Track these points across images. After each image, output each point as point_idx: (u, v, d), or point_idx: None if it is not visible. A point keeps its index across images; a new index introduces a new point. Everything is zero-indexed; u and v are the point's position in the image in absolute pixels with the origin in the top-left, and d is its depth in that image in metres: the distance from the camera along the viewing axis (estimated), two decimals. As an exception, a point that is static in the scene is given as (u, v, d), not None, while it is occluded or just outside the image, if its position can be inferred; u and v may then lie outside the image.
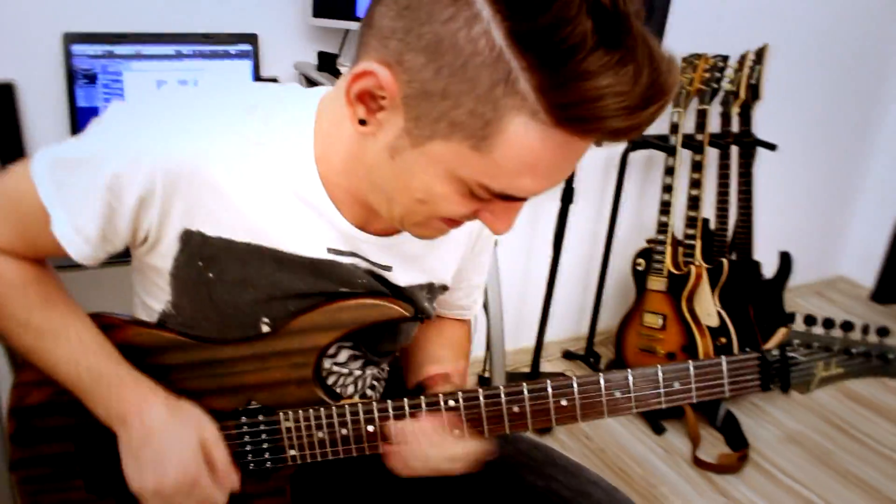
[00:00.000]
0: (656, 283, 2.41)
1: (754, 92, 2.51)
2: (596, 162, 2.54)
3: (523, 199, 0.75)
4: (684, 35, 2.47)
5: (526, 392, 0.88)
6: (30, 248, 0.88)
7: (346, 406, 0.90)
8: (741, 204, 2.57)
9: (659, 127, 2.51)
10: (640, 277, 2.47)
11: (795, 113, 2.95)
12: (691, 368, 0.88)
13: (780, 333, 0.90)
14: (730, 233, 2.55)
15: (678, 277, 2.37)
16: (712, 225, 2.54)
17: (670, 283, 2.39)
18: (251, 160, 0.81)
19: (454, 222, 0.81)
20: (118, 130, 0.79)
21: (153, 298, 0.92)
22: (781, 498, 2.17)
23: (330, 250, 0.88)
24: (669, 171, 2.39)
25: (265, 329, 0.90)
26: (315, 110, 0.83)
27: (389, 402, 0.89)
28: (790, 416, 2.57)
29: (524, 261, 2.58)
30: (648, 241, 2.48)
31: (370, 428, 0.90)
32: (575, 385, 0.88)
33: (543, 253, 2.43)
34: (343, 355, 0.99)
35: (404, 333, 1.03)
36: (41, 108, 1.68)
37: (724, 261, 2.39)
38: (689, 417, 2.39)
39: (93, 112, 1.65)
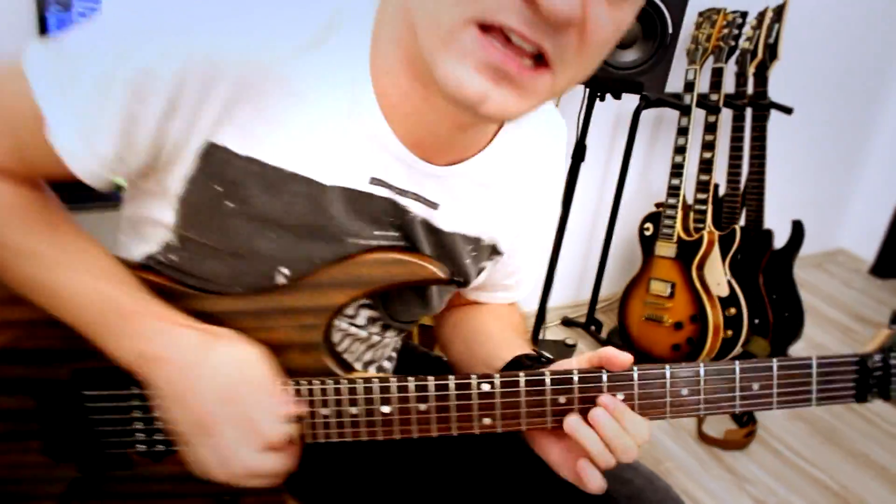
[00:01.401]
0: (665, 249, 2.29)
1: (772, 52, 2.39)
2: (605, 119, 2.40)
3: None
4: None
5: (576, 380, 0.75)
6: (25, 165, 0.72)
7: (360, 380, 0.76)
8: (753, 169, 2.45)
9: (673, 85, 2.38)
10: (647, 242, 2.35)
11: (810, 76, 2.82)
12: (775, 368, 0.74)
13: (883, 335, 0.77)
14: (740, 196, 2.43)
15: (689, 244, 2.26)
16: (722, 190, 2.43)
17: (680, 249, 2.27)
18: (304, 64, 0.67)
19: (503, 39, 0.59)
20: (144, 13, 0.64)
21: (144, 241, 0.77)
22: (788, 475, 2.09)
23: (374, 181, 0.74)
24: (683, 131, 2.26)
25: (281, 281, 0.76)
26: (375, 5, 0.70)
27: (412, 379, 0.76)
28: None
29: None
30: (657, 205, 2.36)
31: (385, 409, 0.76)
32: (636, 377, 0.74)
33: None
34: (361, 317, 0.86)
35: (436, 298, 0.88)
36: (6, 39, 1.51)
37: (737, 228, 2.28)
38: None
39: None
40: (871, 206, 3.43)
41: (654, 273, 2.31)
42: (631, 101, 2.22)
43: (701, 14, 2.32)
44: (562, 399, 0.74)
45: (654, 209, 2.37)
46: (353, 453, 0.92)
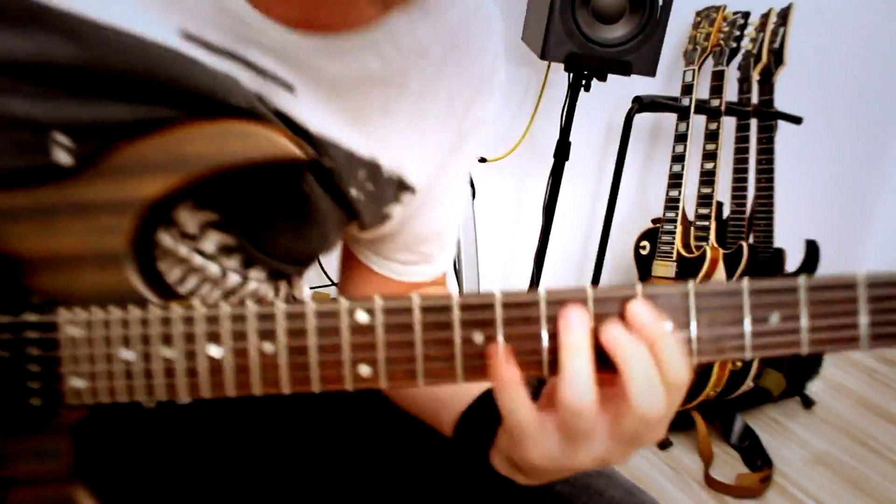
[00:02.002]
0: (663, 269, 2.04)
1: (777, 57, 2.17)
2: (594, 125, 2.17)
3: None
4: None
5: (500, 306, 0.48)
6: None
7: (178, 309, 0.51)
8: (761, 185, 2.21)
9: (669, 88, 2.16)
10: (644, 263, 2.10)
11: (821, 84, 2.59)
12: (802, 289, 0.48)
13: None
14: (747, 216, 2.18)
15: (689, 262, 2.00)
16: (727, 207, 2.18)
17: (680, 268, 2.01)
18: None
19: None
20: None
21: None
22: (811, 529, 1.79)
23: (186, 36, 0.52)
24: (681, 138, 2.03)
25: (62, 158, 0.52)
26: None
27: (253, 306, 0.50)
28: (816, 434, 2.18)
29: (509, 234, 2.20)
30: (654, 221, 2.11)
31: (214, 350, 0.50)
32: (590, 297, 0.48)
33: (532, 226, 2.05)
34: (210, 242, 0.61)
35: (321, 224, 0.64)
36: None
37: (744, 244, 2.02)
38: (700, 429, 2.00)
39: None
40: (896, 226, 3.13)
41: (652, 296, 2.05)
42: (623, 105, 2.01)
43: (699, 13, 2.12)
44: (478, 337, 0.48)
45: (650, 226, 2.12)
46: (174, 423, 0.67)
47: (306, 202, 0.60)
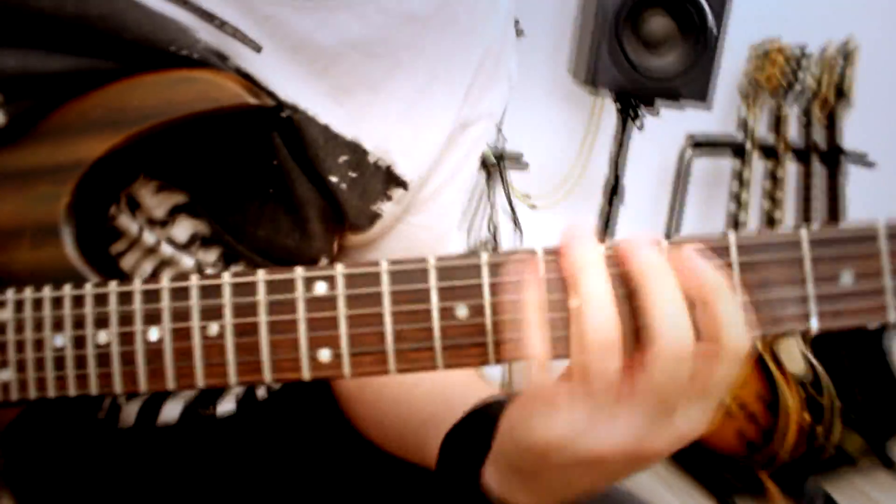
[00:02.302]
0: (724, 316, 1.90)
1: (842, 95, 2.06)
2: (648, 166, 2.07)
3: None
4: (749, 19, 2.03)
5: (487, 267, 0.39)
6: None
7: (113, 285, 0.43)
8: (830, 229, 2.07)
9: (725, 127, 2.06)
10: (703, 313, 1.97)
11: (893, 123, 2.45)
12: (882, 235, 0.38)
13: None
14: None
15: (753, 308, 1.86)
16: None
17: (743, 315, 1.87)
18: None
19: None
20: None
21: None
22: None
23: None
24: (738, 176, 1.93)
25: None
26: None
27: (195, 279, 0.42)
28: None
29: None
30: (713, 267, 1.98)
31: (152, 333, 0.42)
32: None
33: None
34: (181, 229, 0.54)
35: (292, 214, 0.55)
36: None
37: (812, 290, 1.88)
38: (772, 495, 1.83)
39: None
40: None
41: (713, 347, 1.91)
42: (676, 144, 1.92)
43: (753, 47, 2.03)
44: (461, 311, 0.39)
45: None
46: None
47: (281, 180, 0.53)
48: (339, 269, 0.40)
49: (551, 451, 0.38)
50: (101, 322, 0.43)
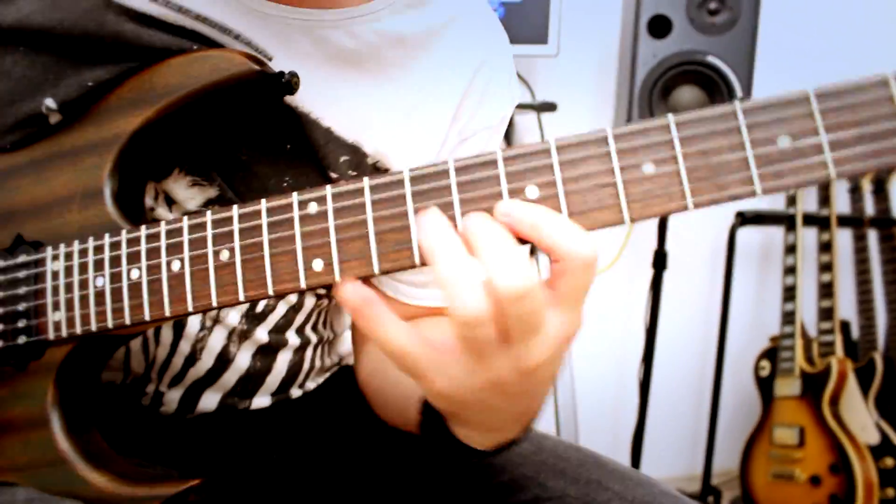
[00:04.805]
0: (787, 387, 1.86)
1: (888, 164, 2.07)
2: (699, 242, 2.09)
3: None
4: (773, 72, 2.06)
5: (454, 176, 0.44)
6: None
7: (143, 228, 0.51)
8: (890, 298, 2.02)
9: (774, 202, 2.08)
10: (765, 385, 1.93)
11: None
12: (813, 100, 0.40)
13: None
14: (880, 334, 1.99)
15: (815, 376, 1.82)
16: (856, 324, 2.00)
17: (805, 383, 1.83)
18: None
19: None
20: None
21: None
22: None
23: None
24: (791, 249, 1.93)
25: (52, 119, 0.56)
26: None
27: (210, 214, 0.49)
28: None
29: (613, 362, 2.09)
30: (772, 339, 1.96)
31: (176, 266, 0.49)
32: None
33: (635, 347, 1.94)
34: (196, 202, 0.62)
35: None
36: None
37: (876, 356, 1.83)
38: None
39: None
40: None
41: (777, 418, 1.86)
42: (726, 218, 1.95)
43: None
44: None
45: (769, 345, 1.97)
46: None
47: (295, 165, 0.60)
48: (329, 189, 0.46)
49: (454, 394, 0.44)
50: (133, 258, 0.50)
